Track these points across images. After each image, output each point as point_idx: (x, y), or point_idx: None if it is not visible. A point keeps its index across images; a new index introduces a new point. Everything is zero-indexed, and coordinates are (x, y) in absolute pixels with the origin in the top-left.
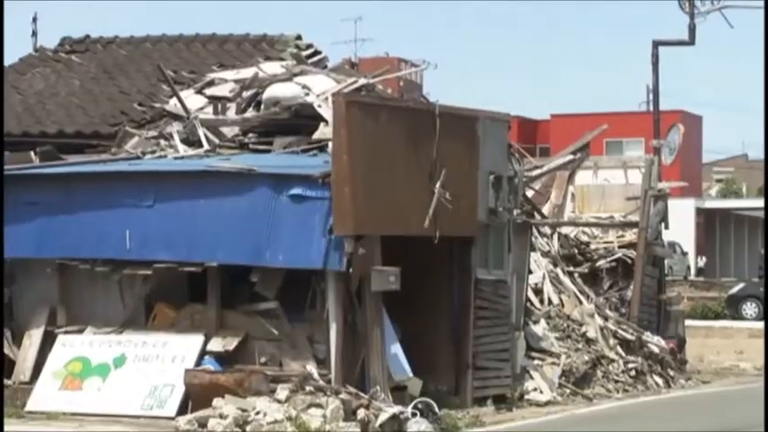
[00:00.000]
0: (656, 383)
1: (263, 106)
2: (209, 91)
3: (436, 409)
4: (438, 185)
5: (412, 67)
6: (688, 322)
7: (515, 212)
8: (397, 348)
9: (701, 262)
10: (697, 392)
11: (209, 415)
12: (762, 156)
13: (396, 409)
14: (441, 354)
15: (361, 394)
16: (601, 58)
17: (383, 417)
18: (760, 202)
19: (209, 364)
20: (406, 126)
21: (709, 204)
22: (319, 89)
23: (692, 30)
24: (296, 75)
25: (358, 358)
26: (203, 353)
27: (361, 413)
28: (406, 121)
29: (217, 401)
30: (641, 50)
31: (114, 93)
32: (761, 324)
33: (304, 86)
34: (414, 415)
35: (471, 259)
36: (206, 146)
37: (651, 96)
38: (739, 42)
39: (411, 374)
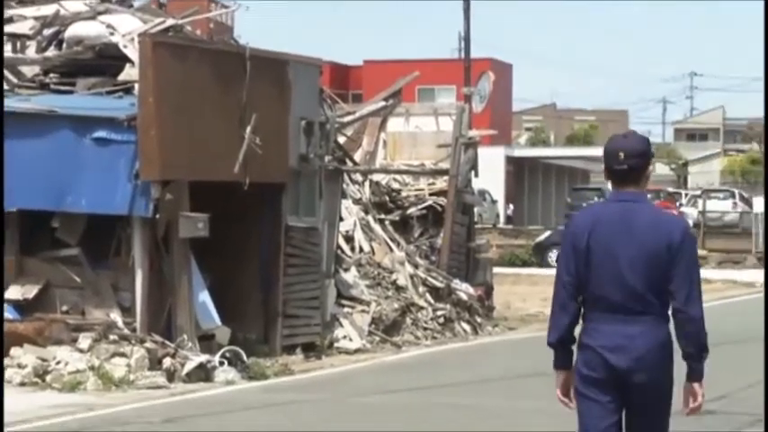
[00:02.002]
0: (464, 330)
1: (65, 45)
2: (7, 28)
3: (244, 358)
4: (248, 131)
5: (222, 9)
6: (496, 270)
7: (327, 159)
8: (205, 296)
9: (510, 210)
10: (503, 339)
11: (7, 365)
12: (570, 105)
13: (203, 357)
14: (250, 302)
15: (168, 343)
16: (414, 4)
17: (190, 365)
18: (567, 151)
19: (8, 313)
20: (215, 69)
21: (519, 153)
22: (125, 29)
23: None
24: (100, 13)
25: (164, 306)
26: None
27: (167, 362)
28: (216, 64)
29: (15, 351)
30: None
31: None
32: None
33: (109, 26)
34: (221, 364)
35: (282, 206)
36: (4, 86)
37: (462, 44)
38: None
39: (219, 323)
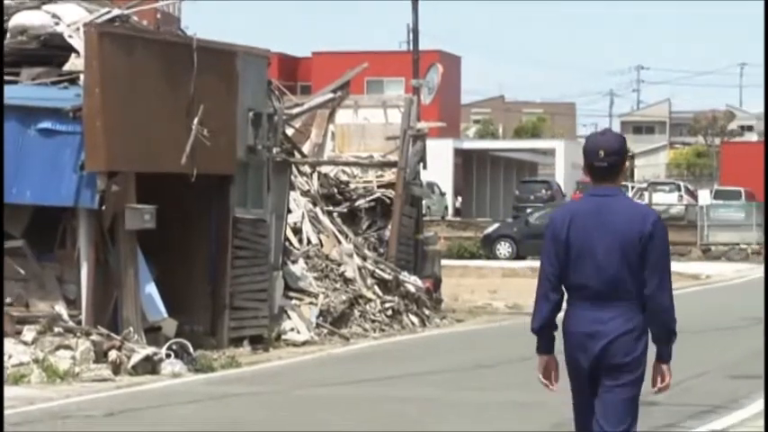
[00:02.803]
0: (412, 322)
1: (8, 35)
2: None
3: (191, 350)
4: (196, 122)
5: None
6: (444, 262)
7: (275, 151)
8: (151, 288)
9: (458, 202)
10: (451, 331)
11: None
12: (518, 98)
13: (149, 350)
14: (197, 294)
15: (114, 335)
16: None
17: (136, 358)
18: (515, 144)
19: None
20: (162, 60)
21: (467, 145)
22: (70, 18)
23: None
24: (45, 2)
25: (110, 299)
26: None
27: (112, 354)
28: (163, 55)
29: None
30: None
31: None
32: (514, 263)
33: (54, 15)
34: (168, 356)
35: (229, 198)
36: None
37: (411, 36)
38: None
39: (166, 315)
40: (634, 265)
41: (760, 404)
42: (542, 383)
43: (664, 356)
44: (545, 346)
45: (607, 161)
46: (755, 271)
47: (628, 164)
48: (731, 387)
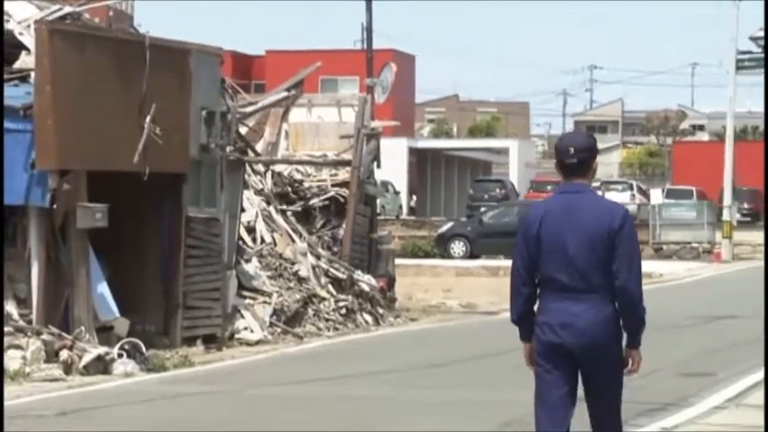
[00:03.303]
0: (366, 321)
1: None
2: None
3: (143, 350)
4: (148, 120)
5: None
6: (399, 261)
7: (228, 149)
8: (103, 288)
9: (413, 201)
10: (405, 330)
11: None
12: (472, 97)
13: (101, 349)
14: (150, 293)
15: (65, 335)
16: None
17: (87, 358)
18: (469, 143)
19: None
20: (114, 58)
21: (422, 144)
22: (21, 16)
23: None
24: None
25: (62, 298)
26: None
27: (64, 354)
28: (115, 53)
29: None
30: None
31: None
32: (468, 263)
33: (4, 12)
34: (120, 356)
35: (182, 196)
36: None
37: (365, 35)
38: None
39: (118, 314)
40: (603, 258)
41: (709, 402)
42: (530, 368)
43: (634, 343)
44: (527, 335)
45: (576, 158)
46: (706, 270)
47: (595, 163)
48: (681, 385)
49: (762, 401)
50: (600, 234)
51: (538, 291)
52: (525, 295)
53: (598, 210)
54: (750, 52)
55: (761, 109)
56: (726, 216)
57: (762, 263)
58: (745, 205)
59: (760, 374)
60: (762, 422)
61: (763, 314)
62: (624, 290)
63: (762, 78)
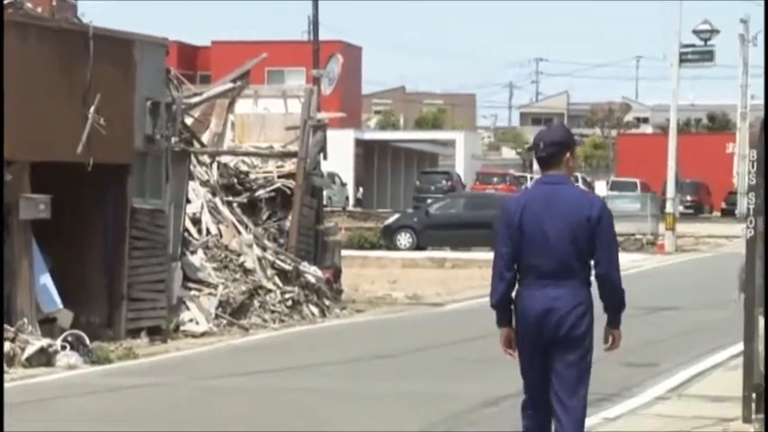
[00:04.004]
0: (312, 313)
1: None
2: None
3: (87, 342)
4: (92, 110)
5: None
6: (345, 252)
7: (173, 140)
8: (46, 279)
9: (360, 193)
10: (351, 321)
11: None
12: (419, 89)
13: (44, 341)
14: (93, 285)
15: (7, 327)
16: None
17: (30, 350)
18: (416, 135)
19: None
20: (58, 48)
21: (368, 136)
22: None
23: None
24: None
25: (3, 290)
26: None
27: (6, 346)
28: (59, 43)
29: None
30: None
31: None
32: (414, 254)
33: None
34: (63, 348)
35: (127, 188)
36: None
37: (312, 26)
38: None
39: (61, 306)
40: (581, 246)
41: (652, 392)
42: (506, 353)
43: (614, 323)
44: (504, 319)
45: (546, 152)
46: (650, 261)
47: (568, 156)
48: (624, 375)
49: (703, 391)
50: (579, 222)
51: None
52: (507, 281)
53: (576, 199)
54: (693, 45)
55: (704, 102)
56: (669, 208)
57: (704, 254)
58: (688, 197)
59: (702, 365)
60: (704, 412)
61: (704, 305)
62: (606, 277)
63: (704, 71)
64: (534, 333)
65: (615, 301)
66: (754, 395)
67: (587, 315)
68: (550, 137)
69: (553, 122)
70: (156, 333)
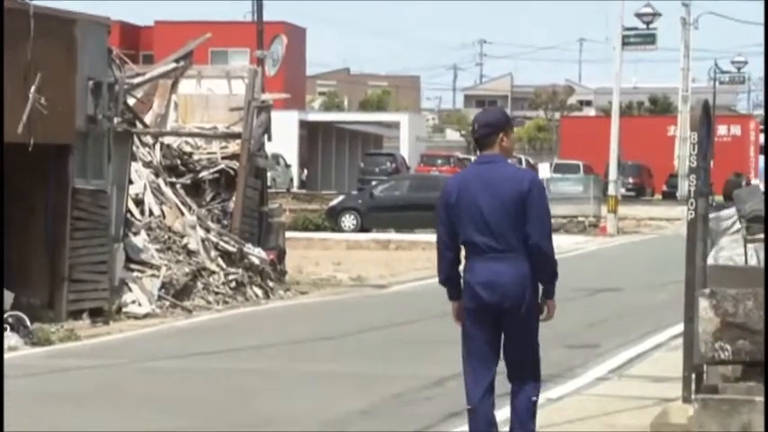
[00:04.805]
0: (256, 295)
1: None
2: None
3: (28, 323)
4: (33, 90)
5: None
6: (289, 234)
7: (116, 121)
8: None
9: (304, 174)
10: (295, 303)
11: None
12: (364, 71)
13: None
14: (34, 266)
15: None
16: None
17: None
18: (360, 116)
19: None
20: None
21: (313, 117)
22: None
23: None
24: None
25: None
26: None
27: None
28: None
29: None
30: None
31: None
32: (358, 236)
33: None
34: (3, 329)
35: (68, 168)
36: None
37: (255, 7)
38: None
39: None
40: (516, 220)
41: (594, 373)
42: (457, 324)
43: (549, 294)
44: (454, 294)
45: (479, 133)
46: (592, 243)
47: (501, 136)
48: (566, 357)
49: (644, 372)
50: (512, 197)
51: (463, 253)
52: (449, 259)
53: (508, 176)
54: (636, 29)
55: (646, 85)
56: (611, 190)
57: (646, 237)
58: (630, 180)
59: (642, 346)
60: (645, 392)
61: (645, 287)
62: (537, 247)
63: (647, 54)
64: (478, 305)
65: (548, 271)
66: (693, 375)
67: (530, 286)
68: (484, 119)
69: (497, 105)
70: (97, 315)
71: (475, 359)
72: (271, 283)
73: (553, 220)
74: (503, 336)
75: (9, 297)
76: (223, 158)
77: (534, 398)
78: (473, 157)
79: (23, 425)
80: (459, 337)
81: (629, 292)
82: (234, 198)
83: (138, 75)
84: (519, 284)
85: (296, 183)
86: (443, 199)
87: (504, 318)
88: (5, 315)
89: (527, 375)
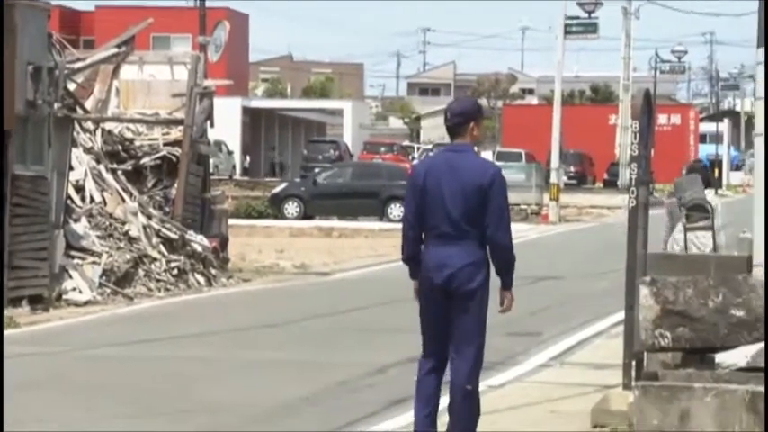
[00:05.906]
0: (198, 282)
1: None
2: None
3: None
4: None
5: None
6: (232, 221)
7: (56, 106)
8: None
9: (247, 161)
10: (237, 290)
11: None
12: (307, 57)
13: None
14: None
15: None
16: None
17: None
18: (303, 103)
19: None
20: None
21: (255, 104)
22: None
23: None
24: None
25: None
26: None
27: None
28: None
29: None
30: None
31: None
32: (302, 223)
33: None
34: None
35: (7, 154)
36: None
37: None
38: None
39: None
40: (475, 210)
41: (535, 360)
42: (417, 300)
43: (506, 284)
44: (415, 273)
45: (450, 122)
46: (534, 231)
47: (472, 125)
48: (508, 344)
49: (585, 359)
50: (473, 188)
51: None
52: (412, 239)
53: (473, 167)
54: (578, 18)
55: (588, 73)
56: (553, 178)
57: (587, 225)
58: (572, 168)
59: (583, 333)
60: (586, 379)
61: (586, 275)
62: (494, 239)
63: (588, 43)
64: (431, 285)
65: (503, 262)
66: (634, 362)
67: (479, 272)
68: (455, 108)
69: (461, 97)
70: (37, 302)
71: (426, 334)
72: (213, 271)
73: None
74: (451, 315)
75: None
76: (165, 145)
77: (469, 386)
78: (416, 145)
79: None
80: (401, 325)
81: (571, 279)
82: (176, 185)
83: (78, 60)
84: (468, 269)
85: (238, 170)
86: (412, 181)
87: (453, 300)
88: None
89: (465, 359)
